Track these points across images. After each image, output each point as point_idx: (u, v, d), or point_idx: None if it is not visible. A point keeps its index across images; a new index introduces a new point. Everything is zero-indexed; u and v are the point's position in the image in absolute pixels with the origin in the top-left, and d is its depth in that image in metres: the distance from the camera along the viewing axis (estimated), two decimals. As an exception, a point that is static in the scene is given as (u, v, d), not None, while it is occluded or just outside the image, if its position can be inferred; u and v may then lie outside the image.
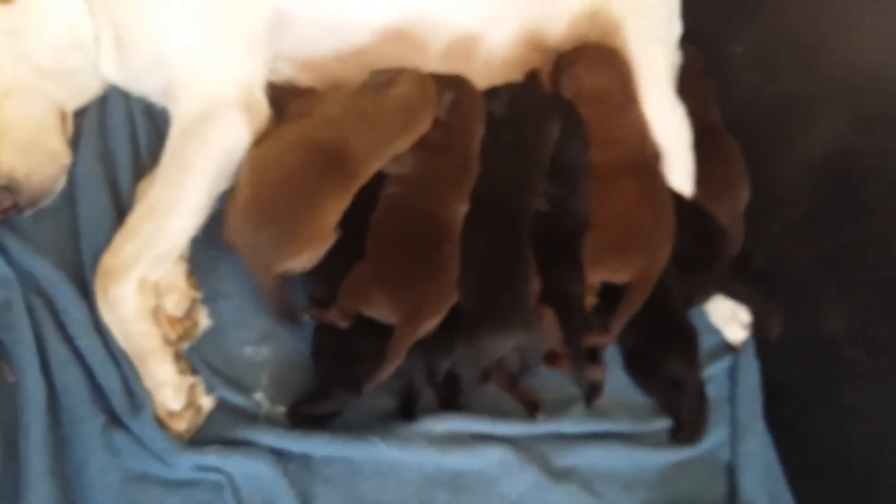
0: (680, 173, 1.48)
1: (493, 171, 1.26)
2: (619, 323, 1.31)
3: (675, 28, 1.51)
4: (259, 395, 1.16)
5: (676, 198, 1.47)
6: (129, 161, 1.20)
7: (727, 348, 1.55)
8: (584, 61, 1.38)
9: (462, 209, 1.23)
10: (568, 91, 1.37)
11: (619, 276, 1.33)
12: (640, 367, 1.38)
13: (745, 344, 1.55)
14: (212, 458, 1.08)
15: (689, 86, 1.54)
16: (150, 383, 1.08)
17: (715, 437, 1.46)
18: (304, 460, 1.16)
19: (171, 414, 1.08)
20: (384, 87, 1.18)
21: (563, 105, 1.35)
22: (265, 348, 1.19)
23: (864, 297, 1.40)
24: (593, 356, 1.35)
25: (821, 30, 1.47)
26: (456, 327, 1.18)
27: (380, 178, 1.21)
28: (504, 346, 1.18)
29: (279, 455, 1.13)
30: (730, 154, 1.55)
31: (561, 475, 1.32)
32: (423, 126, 1.21)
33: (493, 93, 1.32)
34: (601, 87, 1.37)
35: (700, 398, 1.39)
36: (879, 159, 1.39)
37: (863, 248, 1.40)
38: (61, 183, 1.15)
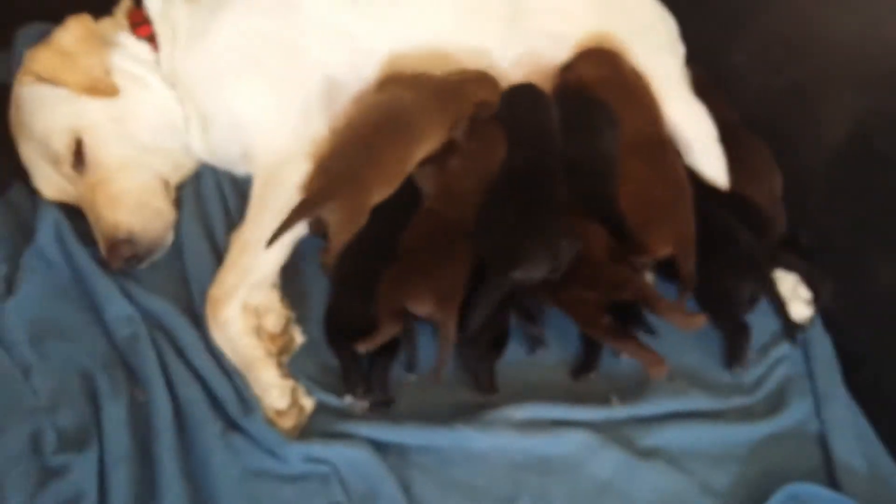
0: (713, 166, 1.58)
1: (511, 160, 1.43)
2: (685, 295, 1.39)
3: (678, 43, 1.68)
4: (349, 398, 1.29)
5: (714, 190, 1.59)
6: (221, 219, 1.42)
7: (796, 328, 1.60)
8: (585, 58, 1.58)
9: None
10: (571, 83, 1.54)
11: (658, 252, 1.42)
12: (712, 296, 1.42)
13: (812, 320, 1.59)
14: (317, 448, 1.20)
15: (702, 97, 1.67)
16: (258, 389, 1.23)
17: (799, 410, 1.48)
18: (400, 450, 1.26)
19: (279, 413, 1.22)
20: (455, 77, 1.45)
21: (597, 101, 1.52)
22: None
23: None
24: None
25: (811, 21, 1.61)
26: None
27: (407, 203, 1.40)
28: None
29: (377, 446, 1.24)
30: (754, 145, 1.66)
31: (647, 455, 1.37)
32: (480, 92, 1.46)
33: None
34: (602, 79, 1.54)
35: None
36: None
37: (893, 202, 1.47)
38: (170, 238, 1.37)
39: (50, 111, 1.28)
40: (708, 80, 1.73)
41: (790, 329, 1.48)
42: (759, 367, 1.52)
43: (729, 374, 1.50)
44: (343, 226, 1.32)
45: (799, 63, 1.63)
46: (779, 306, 1.47)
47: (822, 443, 1.46)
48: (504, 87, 1.54)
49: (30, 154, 1.32)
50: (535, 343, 1.42)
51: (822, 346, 1.56)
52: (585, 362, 1.43)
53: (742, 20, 1.72)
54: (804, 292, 1.61)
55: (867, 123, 1.53)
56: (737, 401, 1.47)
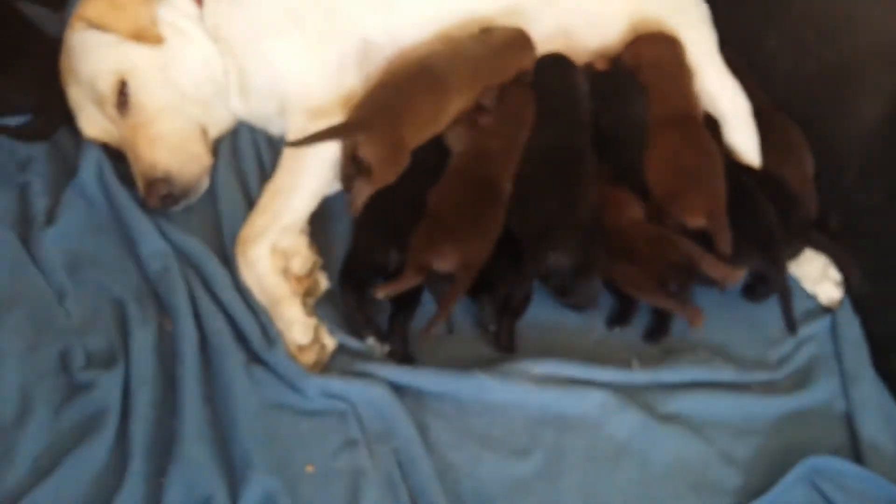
0: (746, 141, 1.60)
1: (542, 130, 1.47)
2: (724, 257, 1.39)
3: (711, 26, 1.70)
4: (371, 340, 1.31)
5: (747, 169, 1.59)
6: (256, 173, 1.47)
7: (825, 310, 1.58)
8: (645, 38, 1.61)
9: (507, 186, 1.41)
10: (629, 60, 1.58)
11: (690, 222, 1.43)
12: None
13: (841, 302, 1.57)
14: (336, 383, 1.22)
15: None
16: (281, 324, 1.26)
17: (826, 389, 1.46)
18: (417, 396, 1.28)
19: (301, 348, 1.25)
20: (487, 35, 1.50)
21: (627, 75, 1.56)
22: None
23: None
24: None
25: (842, 5, 1.62)
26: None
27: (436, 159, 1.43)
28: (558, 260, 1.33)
29: (395, 389, 1.25)
30: (786, 127, 1.66)
31: (667, 419, 1.36)
32: (518, 63, 1.51)
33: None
34: (659, 57, 1.58)
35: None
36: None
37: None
38: (205, 182, 1.42)
39: (98, 55, 1.34)
40: (741, 65, 1.75)
41: (790, 321, 1.46)
42: (785, 345, 1.51)
43: (754, 351, 1.49)
44: (383, 162, 1.34)
45: (830, 45, 1.63)
46: (785, 296, 1.45)
47: (849, 422, 1.44)
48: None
49: (77, 97, 1.38)
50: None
51: (851, 328, 1.54)
52: (621, 314, 1.44)
53: (773, 6, 1.73)
54: (834, 274, 1.60)
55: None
56: (761, 375, 1.45)
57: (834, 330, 1.54)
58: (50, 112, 1.42)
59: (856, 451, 1.39)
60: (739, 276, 1.39)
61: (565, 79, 1.56)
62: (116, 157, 1.40)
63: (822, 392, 1.46)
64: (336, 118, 1.41)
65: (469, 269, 1.31)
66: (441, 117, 1.43)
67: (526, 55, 1.55)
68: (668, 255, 1.36)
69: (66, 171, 1.38)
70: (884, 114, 1.56)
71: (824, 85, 1.67)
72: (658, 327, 1.44)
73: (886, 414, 1.45)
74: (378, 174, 1.35)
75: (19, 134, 1.39)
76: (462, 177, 1.40)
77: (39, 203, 1.33)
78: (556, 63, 1.59)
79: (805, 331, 1.53)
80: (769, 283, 1.46)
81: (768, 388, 1.45)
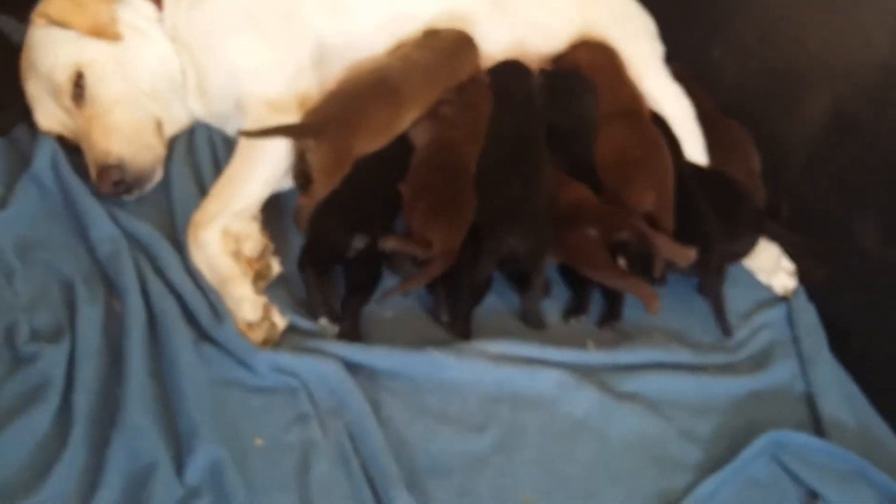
0: (692, 141, 1.65)
1: (501, 124, 1.51)
2: (662, 247, 1.41)
3: (656, 38, 1.78)
4: (324, 321, 1.30)
5: (694, 167, 1.64)
6: (211, 168, 1.48)
7: (781, 299, 1.60)
8: (583, 46, 1.70)
9: (472, 165, 1.45)
10: (567, 64, 1.65)
11: (641, 203, 1.46)
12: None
13: (795, 290, 1.59)
14: (286, 358, 1.21)
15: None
16: (230, 302, 1.25)
17: (785, 371, 1.47)
18: (370, 373, 1.26)
19: (250, 325, 1.23)
20: (433, 39, 1.56)
21: (578, 76, 1.63)
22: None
23: (887, 200, 1.47)
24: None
25: (785, 15, 1.70)
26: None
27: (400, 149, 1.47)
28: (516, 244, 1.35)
29: (348, 367, 1.24)
30: (730, 127, 1.73)
31: (625, 398, 1.35)
32: (468, 65, 1.57)
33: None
34: (596, 63, 1.66)
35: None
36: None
37: (868, 163, 1.50)
38: (159, 173, 1.43)
39: (56, 48, 1.38)
40: (688, 74, 1.82)
41: (723, 324, 1.48)
42: (741, 330, 1.52)
43: (710, 337, 1.49)
44: (327, 168, 1.37)
45: (772, 48, 1.72)
46: (717, 303, 1.47)
47: (809, 403, 1.44)
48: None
49: (34, 90, 1.41)
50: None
51: (807, 313, 1.56)
52: (577, 304, 1.45)
53: (716, 19, 1.82)
54: (787, 264, 1.63)
55: (844, 98, 1.58)
56: (718, 358, 1.46)
57: (790, 317, 1.56)
58: (8, 109, 1.44)
59: (818, 430, 1.39)
60: (691, 255, 1.40)
61: (520, 77, 1.62)
62: (72, 150, 1.41)
63: (781, 373, 1.47)
64: (292, 115, 1.44)
65: (447, 254, 1.32)
66: (394, 127, 1.46)
67: (473, 55, 1.61)
68: (617, 229, 1.38)
69: (20, 164, 1.39)
70: (825, 107, 1.62)
71: (767, 85, 1.75)
72: (611, 312, 1.46)
73: (847, 393, 1.46)
74: (318, 183, 1.37)
75: (-25, 130, 1.41)
76: (430, 165, 1.43)
77: (-8, 192, 1.34)
78: (512, 65, 1.66)
79: (761, 318, 1.55)
80: (703, 287, 1.49)
81: (726, 369, 1.45)
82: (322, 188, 1.38)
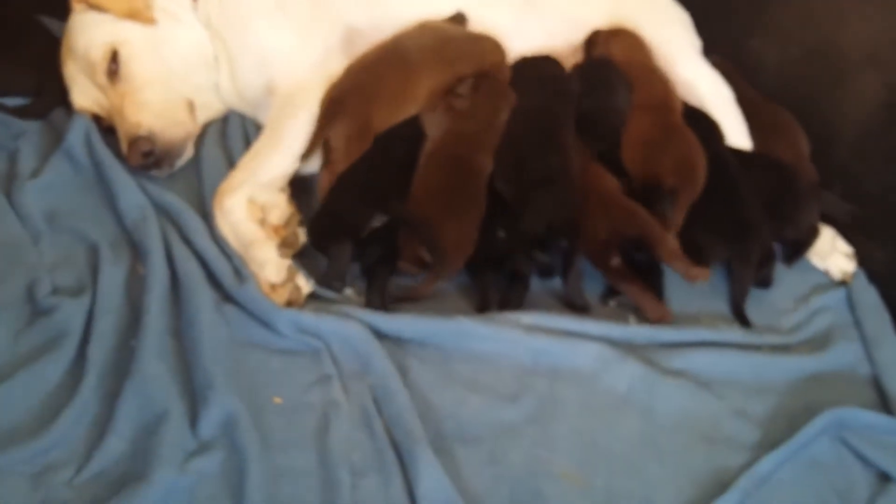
0: (732, 124, 1.59)
1: (530, 99, 1.48)
2: (678, 214, 1.36)
3: (691, 31, 1.74)
4: (349, 291, 1.26)
5: (737, 151, 1.57)
6: (242, 151, 1.48)
7: (839, 284, 1.50)
8: (616, 38, 1.65)
9: (487, 162, 1.40)
10: (601, 57, 1.62)
11: (664, 179, 1.40)
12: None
13: (854, 274, 1.49)
14: (308, 318, 1.16)
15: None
16: (254, 266, 1.22)
17: (848, 353, 1.37)
18: (397, 340, 1.20)
19: (274, 287, 1.20)
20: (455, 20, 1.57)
21: (615, 69, 1.59)
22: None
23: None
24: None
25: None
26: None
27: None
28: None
29: (374, 334, 1.19)
30: (776, 112, 1.66)
31: (670, 374, 1.26)
32: (489, 55, 1.54)
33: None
34: (629, 56, 1.62)
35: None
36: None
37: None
38: (189, 149, 1.43)
39: (93, 29, 1.41)
40: (728, 67, 1.77)
41: (740, 315, 1.38)
42: (798, 313, 1.42)
43: (763, 320, 1.40)
44: (349, 138, 1.35)
45: (811, 29, 1.67)
46: (741, 291, 1.39)
47: (876, 386, 1.32)
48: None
49: (71, 71, 1.44)
50: (544, 271, 1.37)
51: (868, 295, 1.46)
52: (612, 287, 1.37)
53: (754, 8, 1.79)
54: (843, 246, 1.53)
55: (893, 73, 1.52)
56: (772, 338, 1.37)
57: (850, 299, 1.45)
58: (47, 94, 1.47)
59: (886, 412, 1.27)
60: (703, 276, 1.32)
61: (550, 61, 1.60)
62: (106, 131, 1.43)
63: (844, 356, 1.36)
64: (318, 90, 1.43)
65: (459, 250, 1.27)
66: (410, 95, 1.44)
67: (498, 48, 1.58)
68: (621, 228, 1.32)
69: (56, 142, 1.41)
70: (874, 84, 1.55)
71: (811, 68, 1.69)
72: (653, 289, 1.36)
73: (916, 377, 1.33)
74: (338, 153, 1.35)
75: (15, 112, 1.44)
76: (438, 157, 1.39)
77: (27, 164, 1.35)
78: (541, 55, 1.64)
79: (818, 302, 1.45)
80: (734, 275, 1.40)
81: (781, 350, 1.35)
82: (342, 160, 1.35)
